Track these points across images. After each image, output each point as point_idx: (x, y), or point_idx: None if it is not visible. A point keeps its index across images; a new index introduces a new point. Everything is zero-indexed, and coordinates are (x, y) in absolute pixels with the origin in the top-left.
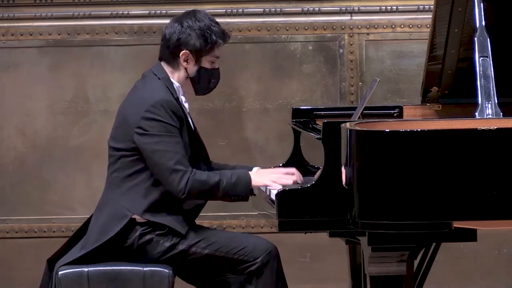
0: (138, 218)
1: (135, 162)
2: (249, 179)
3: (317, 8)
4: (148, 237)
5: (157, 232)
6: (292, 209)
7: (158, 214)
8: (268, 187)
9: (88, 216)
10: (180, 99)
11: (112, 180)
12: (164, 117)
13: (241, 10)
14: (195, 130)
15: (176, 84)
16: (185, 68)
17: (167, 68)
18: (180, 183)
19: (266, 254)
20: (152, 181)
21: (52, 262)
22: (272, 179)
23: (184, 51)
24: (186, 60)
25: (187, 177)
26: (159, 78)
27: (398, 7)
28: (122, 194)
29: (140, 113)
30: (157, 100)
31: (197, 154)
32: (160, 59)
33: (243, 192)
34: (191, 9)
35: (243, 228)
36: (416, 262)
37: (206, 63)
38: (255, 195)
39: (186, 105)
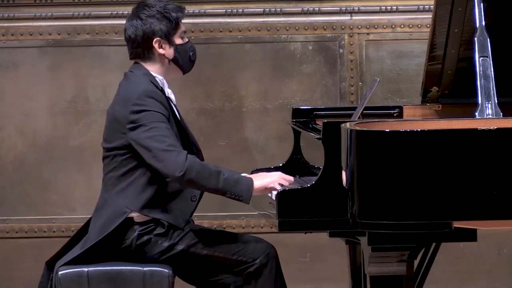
0: (136, 217)
1: (129, 160)
2: (251, 182)
3: (317, 8)
4: (146, 237)
5: (155, 232)
6: (292, 209)
7: (156, 209)
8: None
9: (88, 216)
10: (165, 92)
11: (107, 180)
12: (151, 106)
13: (241, 10)
14: (183, 122)
15: (159, 77)
16: (163, 54)
17: (145, 65)
18: (176, 161)
19: (265, 255)
20: (147, 177)
21: (50, 265)
22: (272, 181)
23: (155, 39)
24: (160, 47)
25: (183, 155)
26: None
27: (398, 7)
28: (119, 192)
29: (128, 109)
30: (141, 92)
31: (186, 146)
32: (133, 59)
33: (244, 192)
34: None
35: (243, 228)
36: (416, 262)
37: (178, 40)
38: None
39: (172, 97)
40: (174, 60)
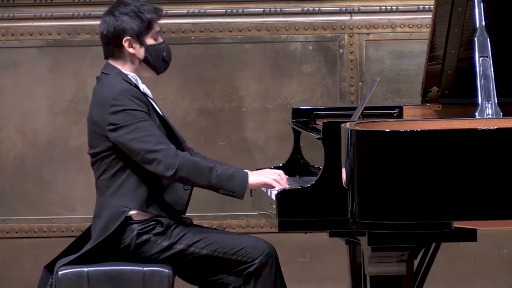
0: (134, 215)
1: (117, 160)
2: (246, 177)
3: (317, 8)
4: (145, 236)
5: (154, 232)
6: (292, 209)
7: (153, 204)
8: (269, 190)
9: (87, 216)
10: (140, 88)
11: (100, 184)
12: (129, 105)
13: (241, 10)
14: (164, 115)
15: (131, 74)
16: (133, 54)
17: (117, 64)
18: (166, 160)
19: (264, 255)
20: (139, 174)
21: (49, 269)
22: (269, 179)
23: (125, 38)
24: (131, 46)
25: (173, 153)
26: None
27: (398, 7)
28: (114, 193)
29: (106, 111)
30: (116, 92)
31: (171, 139)
32: (106, 58)
33: (238, 188)
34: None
35: (243, 228)
36: (416, 262)
37: (150, 40)
38: (250, 195)
39: (147, 91)
40: (145, 61)
